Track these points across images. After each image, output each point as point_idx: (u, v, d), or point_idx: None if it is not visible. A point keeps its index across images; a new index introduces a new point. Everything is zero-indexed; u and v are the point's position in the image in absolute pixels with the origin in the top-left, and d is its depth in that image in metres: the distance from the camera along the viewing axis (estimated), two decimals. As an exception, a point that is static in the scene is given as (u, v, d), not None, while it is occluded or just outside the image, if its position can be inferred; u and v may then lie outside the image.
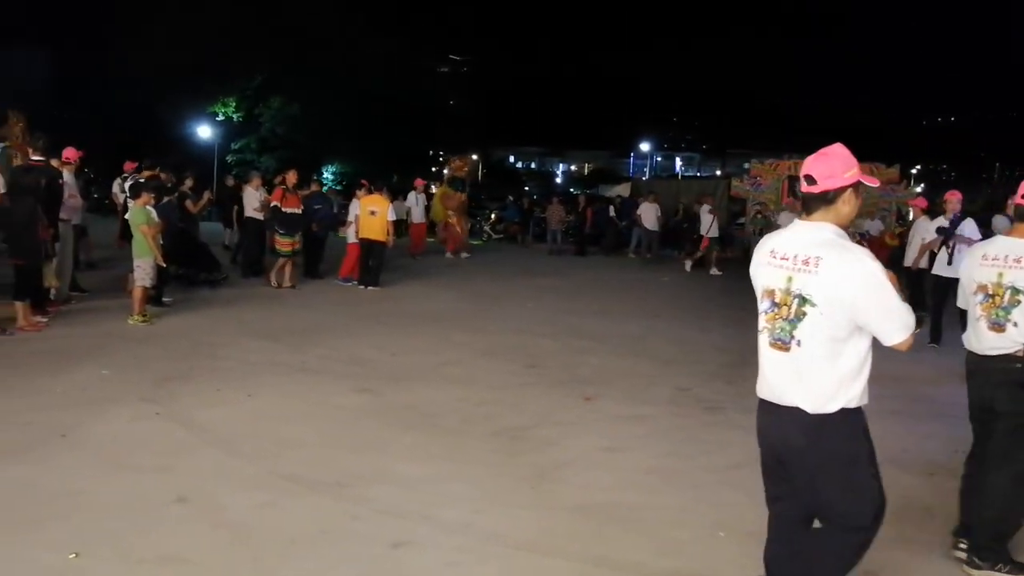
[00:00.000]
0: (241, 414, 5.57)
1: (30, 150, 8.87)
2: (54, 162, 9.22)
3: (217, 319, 9.15)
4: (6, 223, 7.92)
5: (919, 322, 3.28)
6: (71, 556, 3.38)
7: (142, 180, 9.49)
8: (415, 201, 18.65)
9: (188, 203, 11.56)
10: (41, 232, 8.01)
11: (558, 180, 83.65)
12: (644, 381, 7.07)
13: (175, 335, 8.10)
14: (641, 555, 3.67)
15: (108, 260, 12.91)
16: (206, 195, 13.38)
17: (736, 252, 22.22)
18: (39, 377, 6.22)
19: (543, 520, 3.98)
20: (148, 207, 8.76)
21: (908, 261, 11.80)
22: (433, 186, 25.31)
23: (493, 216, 26.71)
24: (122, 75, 36.99)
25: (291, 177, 12.47)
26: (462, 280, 14.03)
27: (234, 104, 38.17)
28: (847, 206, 2.76)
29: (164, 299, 9.67)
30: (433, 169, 51.79)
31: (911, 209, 20.27)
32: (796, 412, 2.67)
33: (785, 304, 2.68)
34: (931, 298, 9.38)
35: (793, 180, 22.52)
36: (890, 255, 15.06)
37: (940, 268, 9.04)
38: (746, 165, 27.25)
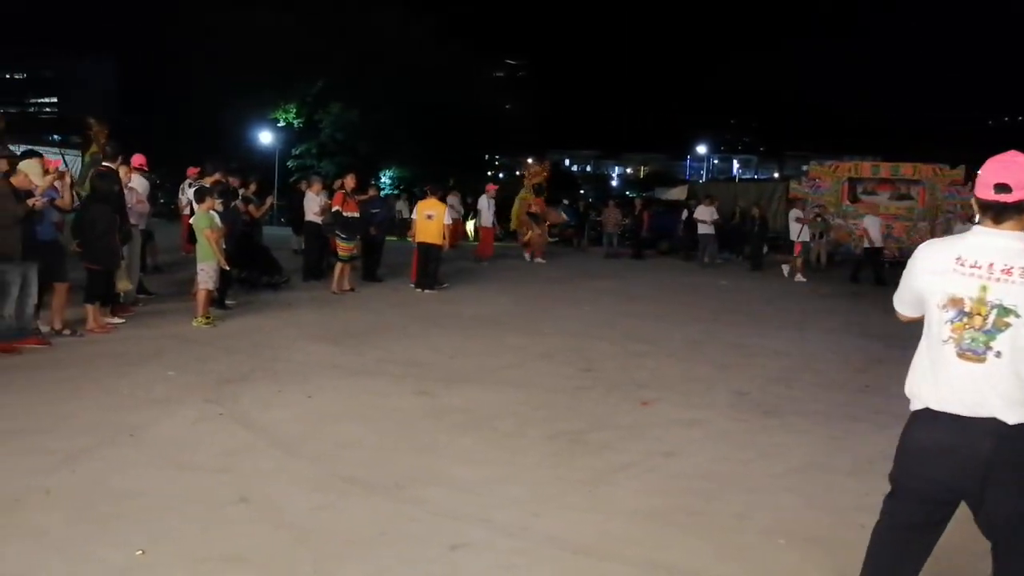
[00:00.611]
0: (301, 415, 5.66)
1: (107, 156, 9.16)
2: (123, 168, 9.49)
3: (278, 322, 9.32)
4: (85, 229, 8.17)
5: None
6: (137, 553, 3.47)
7: (207, 185, 9.71)
8: (486, 205, 18.36)
9: (251, 207, 11.80)
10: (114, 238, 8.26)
11: (614, 183, 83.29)
12: (702, 385, 6.98)
13: (237, 337, 8.27)
14: (700, 560, 3.62)
15: (173, 264, 13.27)
16: (269, 200, 13.65)
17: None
18: (107, 378, 6.42)
19: (600, 524, 3.96)
20: (212, 212, 8.97)
21: None
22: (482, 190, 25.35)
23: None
24: (186, 83, 38.02)
25: (350, 181, 12.63)
26: (518, 283, 14.05)
27: (295, 110, 38.89)
28: None
29: (227, 302, 9.89)
30: (488, 173, 51.99)
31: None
32: (993, 423, 2.56)
33: (979, 314, 2.58)
34: None
35: (854, 182, 22.02)
36: None
37: None
38: (805, 167, 26.79)
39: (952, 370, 2.64)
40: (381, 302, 11.27)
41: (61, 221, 8.29)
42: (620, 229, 22.18)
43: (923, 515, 2.81)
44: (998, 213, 2.65)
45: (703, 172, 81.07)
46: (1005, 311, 2.53)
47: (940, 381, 2.67)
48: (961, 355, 2.61)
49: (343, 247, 11.89)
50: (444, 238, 12.38)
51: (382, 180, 37.37)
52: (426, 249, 12.34)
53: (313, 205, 12.92)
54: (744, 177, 79.53)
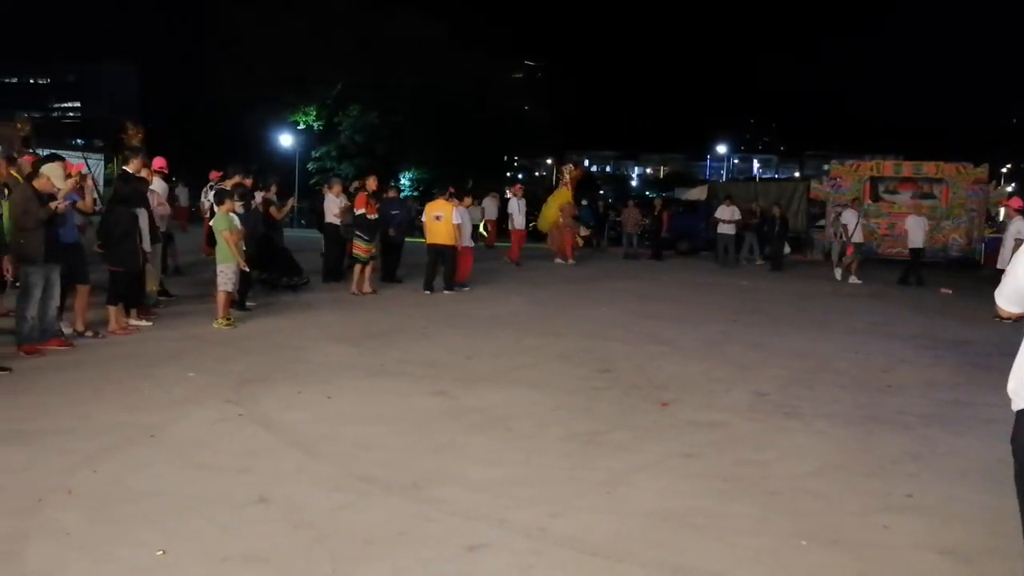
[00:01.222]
0: (321, 416, 5.68)
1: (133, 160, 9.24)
2: (144, 172, 9.57)
3: (298, 323, 9.37)
4: (108, 231, 8.25)
5: None
6: (158, 553, 3.49)
7: (226, 188, 9.77)
8: (516, 207, 18.28)
9: (272, 209, 11.87)
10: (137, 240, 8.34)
11: (633, 183, 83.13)
12: (721, 386, 6.94)
13: (257, 338, 8.33)
14: (719, 563, 3.59)
15: (193, 265, 13.39)
16: (290, 201, 13.71)
17: (816, 255, 21.69)
18: (128, 379, 6.47)
19: (618, 526, 3.94)
20: (231, 214, 9.03)
21: (1003, 263, 11.34)
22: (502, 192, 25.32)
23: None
24: (207, 87, 38.33)
25: (372, 183, 12.67)
26: (536, 284, 14.04)
27: (314, 113, 39.10)
28: None
29: (247, 303, 9.96)
30: (508, 174, 51.98)
31: (1002, 209, 19.42)
32: None
33: None
34: None
35: (876, 181, 21.84)
36: None
37: None
38: (826, 167, 26.59)
39: None
40: (400, 303, 11.30)
41: (84, 224, 8.38)
42: (640, 229, 22.11)
43: None
44: None
45: (723, 172, 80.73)
46: None
47: None
48: None
49: (362, 248, 11.93)
50: (455, 238, 12.35)
51: (401, 182, 37.47)
52: (437, 251, 12.35)
53: (333, 207, 12.97)
54: (764, 177, 79.13)
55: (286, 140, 39.01)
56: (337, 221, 12.98)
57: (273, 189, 12.45)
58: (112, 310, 8.30)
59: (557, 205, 18.51)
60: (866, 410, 6.28)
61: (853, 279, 15.93)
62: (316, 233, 16.22)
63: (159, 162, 10.58)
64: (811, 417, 6.02)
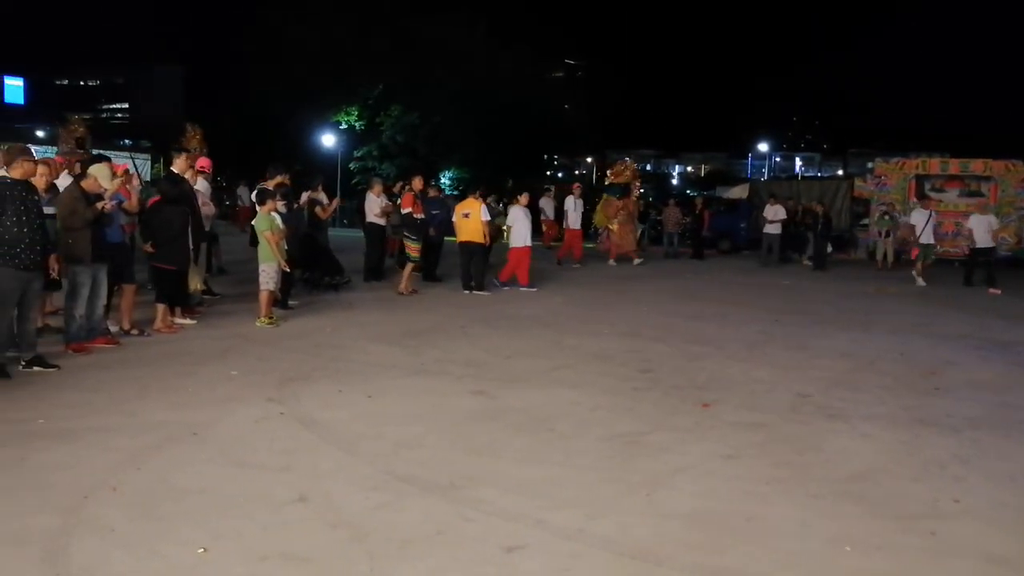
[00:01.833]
0: (361, 415, 5.71)
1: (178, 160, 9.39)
2: (188, 172, 9.72)
3: (339, 322, 9.45)
4: (161, 231, 8.39)
5: None
6: (199, 551, 3.53)
7: (269, 188, 9.89)
8: (572, 206, 17.97)
9: (318, 209, 12.00)
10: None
11: (674, 182, 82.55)
12: (763, 387, 6.83)
13: (299, 337, 8.41)
14: (760, 567, 3.53)
15: (236, 264, 13.57)
16: (335, 201, 13.84)
17: (859, 254, 21.33)
18: (173, 377, 6.58)
19: (657, 528, 3.90)
20: (273, 214, 9.13)
21: None
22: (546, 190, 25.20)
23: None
24: (252, 88, 38.86)
25: (418, 183, 12.73)
26: (576, 284, 14.00)
27: (356, 113, 39.43)
28: None
29: (290, 302, 10.07)
30: (548, 173, 51.89)
31: None
32: None
33: None
34: None
35: (922, 179, 21.38)
36: None
37: None
38: (869, 164, 26.14)
39: None
40: (440, 302, 11.34)
41: (130, 224, 8.54)
42: (680, 228, 21.93)
43: None
44: None
45: (765, 170, 79.76)
46: None
47: None
48: None
49: (413, 248, 11.98)
50: (484, 236, 12.36)
51: (442, 181, 37.64)
52: (467, 249, 12.34)
53: (374, 207, 13.05)
54: (807, 175, 78.03)
55: (328, 140, 39.40)
56: (379, 221, 13.06)
57: (320, 189, 12.58)
58: (161, 308, 8.45)
59: (605, 203, 18.39)
60: (912, 412, 6.14)
61: (919, 281, 15.35)
62: (358, 232, 16.35)
63: (203, 162, 10.75)
64: (855, 419, 5.90)
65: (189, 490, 4.23)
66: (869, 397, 6.60)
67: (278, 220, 9.16)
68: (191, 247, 8.81)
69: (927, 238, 15.70)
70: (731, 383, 6.96)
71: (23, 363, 6.61)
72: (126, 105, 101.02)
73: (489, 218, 12.44)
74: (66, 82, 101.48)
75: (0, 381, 6.23)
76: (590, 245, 19.81)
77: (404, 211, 12.27)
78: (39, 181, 6.97)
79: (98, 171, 7.54)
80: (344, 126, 39.92)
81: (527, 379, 6.93)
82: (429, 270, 13.49)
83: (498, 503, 4.14)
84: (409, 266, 11.96)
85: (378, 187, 13.47)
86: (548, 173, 53.77)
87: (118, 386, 6.26)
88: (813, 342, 9.00)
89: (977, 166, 20.97)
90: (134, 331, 8.18)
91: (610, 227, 18.19)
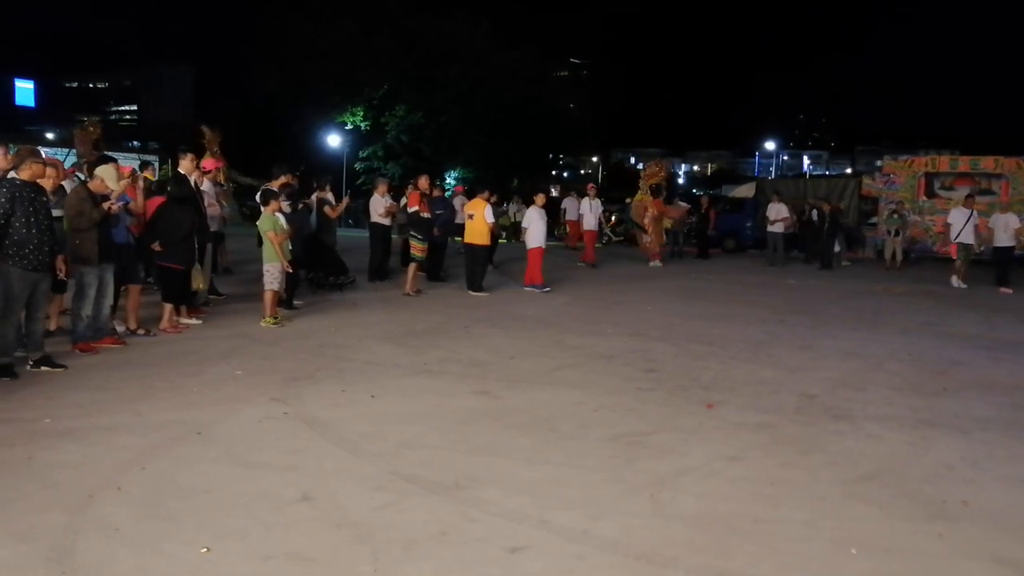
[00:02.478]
0: (364, 415, 5.71)
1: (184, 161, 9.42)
2: (195, 173, 9.74)
3: (343, 322, 9.45)
4: (170, 231, 8.42)
5: None
6: (203, 551, 3.54)
7: (273, 188, 9.90)
8: (588, 207, 17.75)
9: (327, 209, 12.03)
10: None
11: (680, 181, 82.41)
12: (768, 388, 6.81)
13: (304, 337, 8.42)
14: (764, 570, 3.52)
15: (242, 264, 13.59)
16: (345, 200, 13.85)
17: (867, 253, 21.24)
18: (178, 377, 6.59)
19: (661, 529, 3.89)
20: (277, 214, 9.14)
21: None
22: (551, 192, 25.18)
23: (613, 218, 26.52)
24: (258, 89, 38.94)
25: (424, 182, 12.73)
26: (580, 283, 13.98)
27: (361, 113, 39.48)
28: None
29: (295, 302, 10.08)
30: (553, 173, 51.83)
31: None
32: None
33: None
34: None
35: (931, 177, 21.27)
36: None
37: None
38: (878, 162, 26.03)
39: None
40: (444, 302, 11.34)
41: (136, 225, 8.56)
42: (686, 227, 21.88)
43: None
44: None
45: (772, 169, 79.60)
46: None
47: None
48: None
49: (418, 248, 11.99)
50: (490, 237, 12.42)
51: (447, 181, 37.67)
52: (470, 250, 12.34)
53: (378, 206, 13.06)
54: (815, 173, 77.86)
55: (334, 140, 39.45)
56: (383, 221, 13.07)
57: (328, 189, 12.60)
58: (167, 308, 8.48)
59: (636, 205, 18.25)
60: (920, 413, 6.11)
61: (956, 282, 14.91)
62: (362, 232, 16.36)
63: (208, 163, 10.77)
64: (862, 420, 5.87)
65: (194, 489, 4.24)
66: (876, 398, 6.57)
67: (282, 220, 9.18)
68: (196, 247, 8.84)
69: (967, 238, 15.09)
70: (736, 383, 6.93)
71: (31, 363, 6.65)
72: (135, 107, 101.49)
73: (493, 220, 12.41)
74: (75, 84, 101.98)
75: (8, 380, 6.26)
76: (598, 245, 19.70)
77: (411, 210, 12.27)
78: (47, 183, 7.00)
79: (104, 172, 7.56)
80: (349, 126, 39.97)
81: (531, 379, 6.92)
82: (433, 270, 13.50)
83: (502, 503, 4.14)
84: (413, 266, 11.96)
85: (383, 187, 13.46)
86: (553, 173, 53.70)
87: (124, 385, 6.28)
88: (819, 342, 8.97)
89: (988, 163, 20.79)
90: (140, 331, 8.21)
91: (644, 230, 17.87)
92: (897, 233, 18.89)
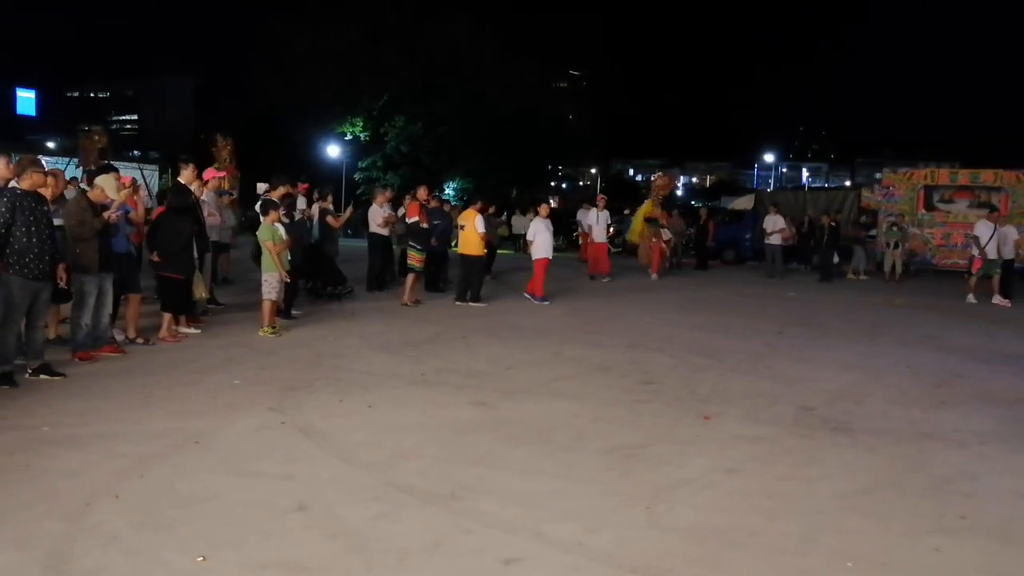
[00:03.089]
0: (361, 424, 5.72)
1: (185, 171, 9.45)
2: (195, 183, 9.76)
3: (341, 332, 9.46)
4: (169, 241, 8.44)
5: None
6: (199, 559, 3.54)
7: (273, 199, 9.93)
8: (595, 219, 17.43)
9: (329, 218, 12.06)
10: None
11: (678, 192, 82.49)
12: (766, 400, 6.80)
13: (301, 347, 8.43)
14: (760, 582, 3.52)
15: (241, 273, 13.60)
16: (349, 210, 13.88)
17: (867, 266, 21.22)
18: (177, 385, 6.60)
19: (658, 541, 3.88)
20: (276, 224, 9.17)
21: None
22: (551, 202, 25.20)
23: (611, 229, 26.51)
24: (259, 99, 39.06)
25: (423, 193, 12.79)
26: (578, 294, 13.99)
27: (360, 124, 39.56)
28: None
29: (293, 312, 10.09)
30: (552, 184, 51.87)
31: None
32: None
33: None
34: None
35: (930, 190, 21.30)
36: None
37: None
38: (878, 174, 26.07)
39: None
40: (442, 313, 11.34)
41: (136, 234, 8.59)
42: (685, 239, 21.89)
43: None
44: None
45: (771, 180, 79.72)
46: None
47: None
48: None
49: (416, 258, 12.01)
50: (484, 247, 12.49)
51: (446, 192, 37.71)
52: (465, 261, 12.35)
53: (376, 216, 13.09)
54: (814, 185, 77.95)
55: (333, 150, 39.52)
56: (381, 231, 13.10)
57: (329, 199, 12.63)
58: (167, 317, 8.50)
59: (643, 217, 18.17)
60: (919, 427, 6.09)
61: (970, 298, 14.41)
62: (360, 242, 16.35)
63: (209, 173, 10.79)
64: (860, 433, 5.86)
65: (191, 498, 4.24)
66: (875, 410, 6.56)
67: (281, 231, 9.20)
68: (196, 256, 8.86)
69: (992, 252, 14.54)
70: (733, 395, 6.93)
71: (30, 371, 6.66)
72: (135, 117, 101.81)
73: (484, 230, 12.40)
74: (77, 94, 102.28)
75: (7, 388, 6.27)
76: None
77: (410, 220, 12.29)
78: (48, 192, 7.02)
79: (104, 182, 7.59)
80: (348, 136, 40.04)
81: (528, 390, 6.92)
82: (432, 281, 13.51)
83: (497, 515, 4.14)
84: (411, 276, 11.97)
85: (381, 197, 13.50)
86: (552, 183, 53.77)
87: (123, 394, 6.29)
88: (818, 354, 8.97)
89: (987, 176, 20.77)
90: (139, 340, 8.22)
91: (647, 240, 17.71)
92: (896, 246, 18.90)
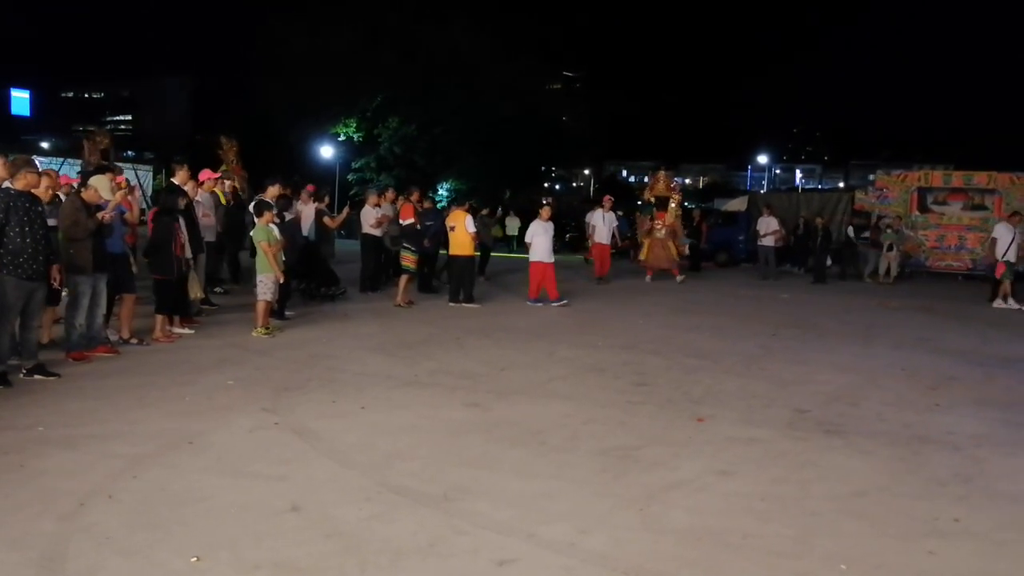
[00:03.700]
0: (354, 426, 5.72)
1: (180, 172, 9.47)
2: (190, 184, 9.76)
3: (335, 333, 9.46)
4: (155, 242, 8.47)
5: None
6: (192, 560, 3.54)
7: (267, 200, 9.93)
8: (601, 220, 16.89)
9: (326, 219, 12.06)
10: (177, 250, 8.49)
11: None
12: (760, 402, 6.81)
13: (295, 347, 8.42)
14: (753, 584, 3.52)
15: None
16: (346, 211, 13.89)
17: (860, 268, 21.28)
18: (171, 386, 6.59)
19: (651, 544, 3.89)
20: (271, 225, 9.17)
21: None
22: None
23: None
24: (256, 100, 38.98)
25: (416, 195, 12.82)
26: (571, 295, 13.97)
27: (355, 125, 39.51)
28: None
29: (287, 312, 10.09)
30: (545, 185, 51.84)
31: None
32: None
33: None
34: None
35: (924, 192, 21.35)
36: None
37: None
38: (871, 176, 26.11)
39: None
40: (435, 314, 11.35)
41: (131, 235, 8.58)
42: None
43: None
44: None
45: (764, 182, 79.86)
46: None
47: None
48: None
49: (410, 259, 12.00)
50: (476, 248, 12.56)
51: (439, 193, 37.69)
52: (456, 262, 12.33)
53: (369, 217, 13.10)
54: (807, 187, 78.12)
55: (327, 151, 39.48)
56: (374, 232, 13.10)
57: (326, 200, 12.63)
58: (158, 318, 8.49)
59: (642, 219, 18.04)
60: (913, 429, 6.10)
61: (999, 302, 14.20)
62: (354, 243, 16.38)
63: (205, 174, 10.78)
64: (854, 435, 5.86)
65: (185, 498, 4.24)
66: (869, 413, 6.56)
67: (275, 231, 9.20)
68: (189, 257, 8.85)
69: (1012, 255, 14.25)
70: (727, 397, 6.94)
71: (24, 371, 6.65)
72: (130, 117, 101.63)
73: (474, 230, 12.39)
74: (71, 94, 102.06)
75: (2, 389, 6.27)
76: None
77: (405, 222, 12.29)
78: (42, 193, 7.01)
79: (98, 182, 7.59)
80: (342, 137, 39.98)
81: (521, 391, 6.92)
82: (425, 281, 13.51)
83: (491, 516, 4.14)
84: (405, 277, 11.96)
85: (374, 198, 13.50)
86: (546, 185, 53.78)
87: (117, 394, 6.28)
88: (812, 356, 8.98)
89: (981, 178, 20.79)
90: (133, 340, 8.21)
91: (648, 241, 17.49)
92: (891, 248, 18.93)
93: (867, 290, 17.04)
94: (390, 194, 13.86)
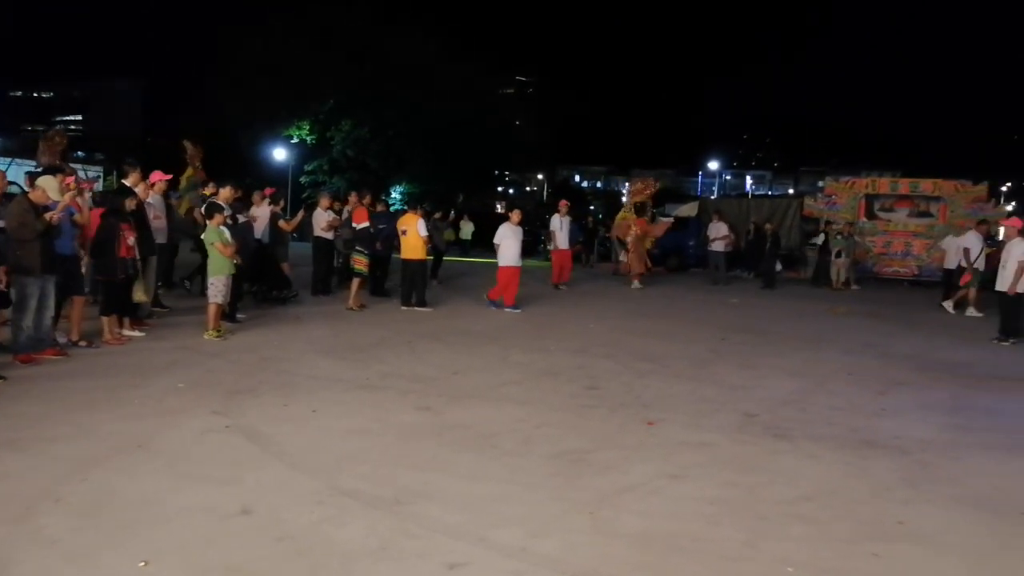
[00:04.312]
0: (305, 429, 5.69)
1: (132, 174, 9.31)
2: (141, 186, 9.58)
3: (286, 336, 9.37)
4: (97, 243, 8.30)
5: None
6: (141, 564, 3.50)
7: (218, 202, 9.81)
8: (559, 225, 16.54)
9: (281, 223, 11.95)
10: (122, 251, 8.33)
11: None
12: (709, 406, 6.91)
13: (246, 350, 8.33)
14: (701, 585, 3.58)
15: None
16: (300, 214, 13.76)
17: (808, 273, 21.71)
18: (120, 388, 6.49)
19: (602, 547, 3.93)
20: (222, 227, 9.07)
21: (1003, 285, 11.11)
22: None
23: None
24: (207, 102, 38.39)
25: (368, 197, 12.77)
26: (524, 300, 14.01)
27: (307, 127, 39.14)
28: None
29: (238, 315, 9.97)
30: (499, 189, 51.87)
31: (1002, 229, 19.23)
32: None
33: None
34: None
35: (872, 199, 21.82)
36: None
37: None
38: (820, 183, 26.59)
39: None
40: (387, 317, 11.30)
41: (80, 236, 8.41)
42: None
43: None
44: None
45: (715, 188, 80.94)
46: None
47: None
48: None
49: (361, 262, 11.93)
50: (428, 251, 12.59)
51: (392, 196, 37.50)
52: (408, 266, 12.29)
53: (320, 220, 13.00)
54: (757, 193, 79.35)
55: (280, 154, 39.04)
56: (326, 235, 13.02)
57: (281, 203, 12.49)
58: (105, 320, 8.33)
59: (620, 223, 18.03)
60: (860, 433, 6.20)
61: (971, 311, 14.12)
62: (306, 246, 16.22)
63: (156, 176, 10.58)
64: (802, 440, 5.95)
65: (134, 502, 4.19)
66: (817, 418, 6.66)
67: (227, 233, 9.11)
68: (137, 259, 8.70)
69: (981, 264, 14.24)
70: (678, 401, 7.03)
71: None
72: (80, 117, 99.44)
73: (427, 234, 12.35)
74: (20, 94, 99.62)
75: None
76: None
77: (359, 226, 12.21)
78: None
79: (45, 183, 7.44)
80: (295, 140, 39.57)
81: (473, 395, 6.94)
82: (378, 285, 13.45)
83: (442, 519, 4.16)
84: (356, 281, 11.90)
85: (325, 201, 13.41)
86: (499, 189, 53.82)
87: (65, 397, 6.17)
88: (762, 361, 9.12)
89: (927, 186, 21.28)
90: (82, 343, 8.06)
91: (626, 248, 17.43)
92: (840, 254, 19.26)
93: (816, 295, 17.36)
94: (353, 197, 13.63)
